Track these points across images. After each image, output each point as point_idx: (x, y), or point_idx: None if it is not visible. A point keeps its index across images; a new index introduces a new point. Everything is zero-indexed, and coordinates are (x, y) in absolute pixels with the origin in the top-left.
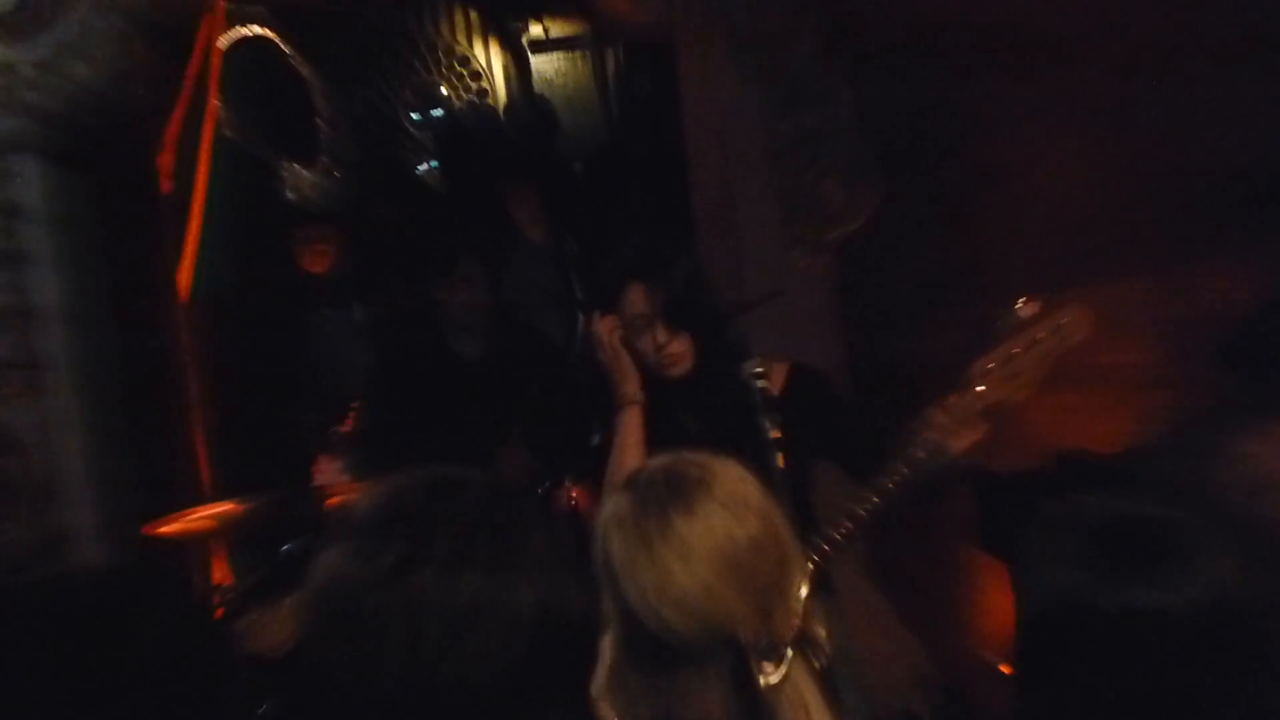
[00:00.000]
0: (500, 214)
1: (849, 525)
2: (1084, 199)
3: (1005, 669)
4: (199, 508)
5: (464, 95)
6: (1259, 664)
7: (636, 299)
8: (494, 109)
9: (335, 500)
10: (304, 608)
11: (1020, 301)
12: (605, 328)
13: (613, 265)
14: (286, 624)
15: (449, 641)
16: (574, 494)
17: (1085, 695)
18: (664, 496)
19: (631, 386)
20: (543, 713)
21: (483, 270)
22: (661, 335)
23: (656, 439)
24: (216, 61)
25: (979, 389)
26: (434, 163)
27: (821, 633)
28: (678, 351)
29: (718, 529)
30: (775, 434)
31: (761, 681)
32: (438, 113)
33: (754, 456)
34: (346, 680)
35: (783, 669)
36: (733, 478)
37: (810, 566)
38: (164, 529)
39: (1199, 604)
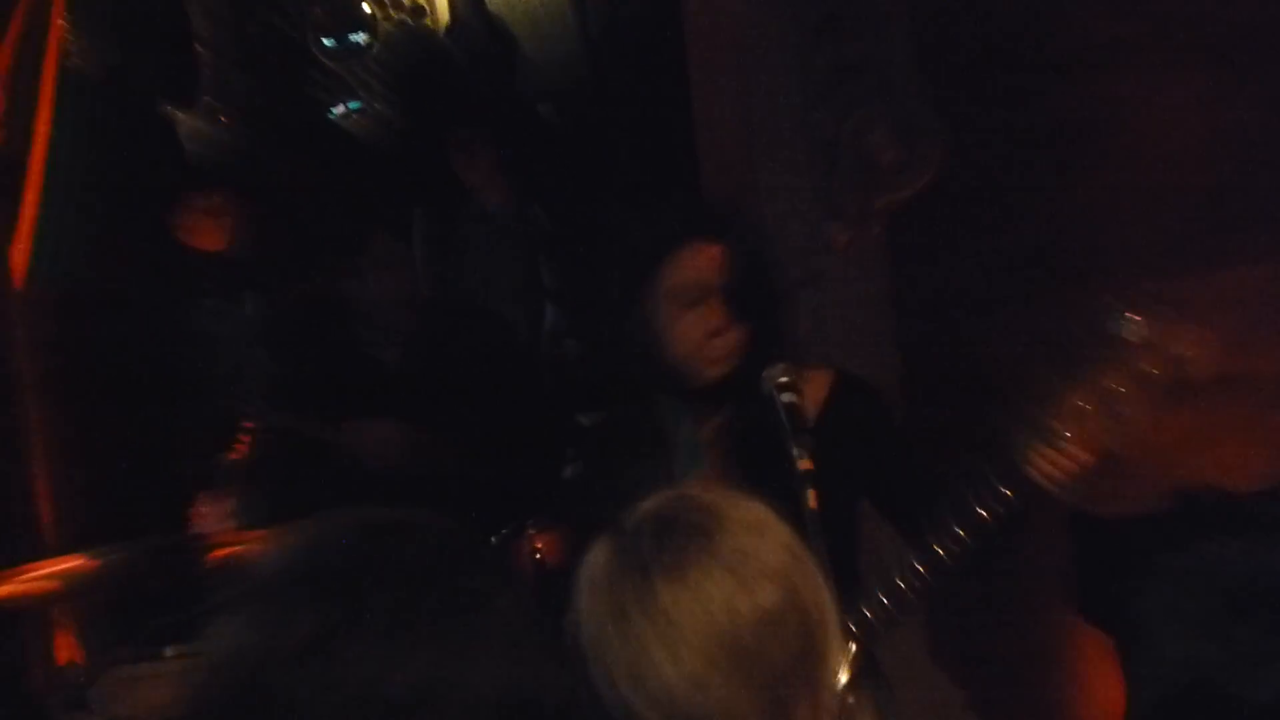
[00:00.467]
0: (445, 173)
1: (887, 604)
2: (1208, 157)
3: None
4: (38, 563)
5: (393, 14)
6: None
7: (701, 263)
8: (433, 32)
9: (222, 553)
10: (195, 688)
11: (1124, 312)
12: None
13: (668, 217)
14: (168, 683)
15: None
16: (539, 544)
17: None
18: (649, 551)
19: None
20: None
21: (401, 255)
22: (717, 318)
23: (649, 466)
24: None
25: (1065, 436)
26: (354, 104)
27: None
28: (730, 346)
29: (715, 600)
30: (806, 464)
31: None
32: (358, 38)
33: (780, 493)
34: None
35: None
36: (747, 526)
37: (852, 646)
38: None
39: None
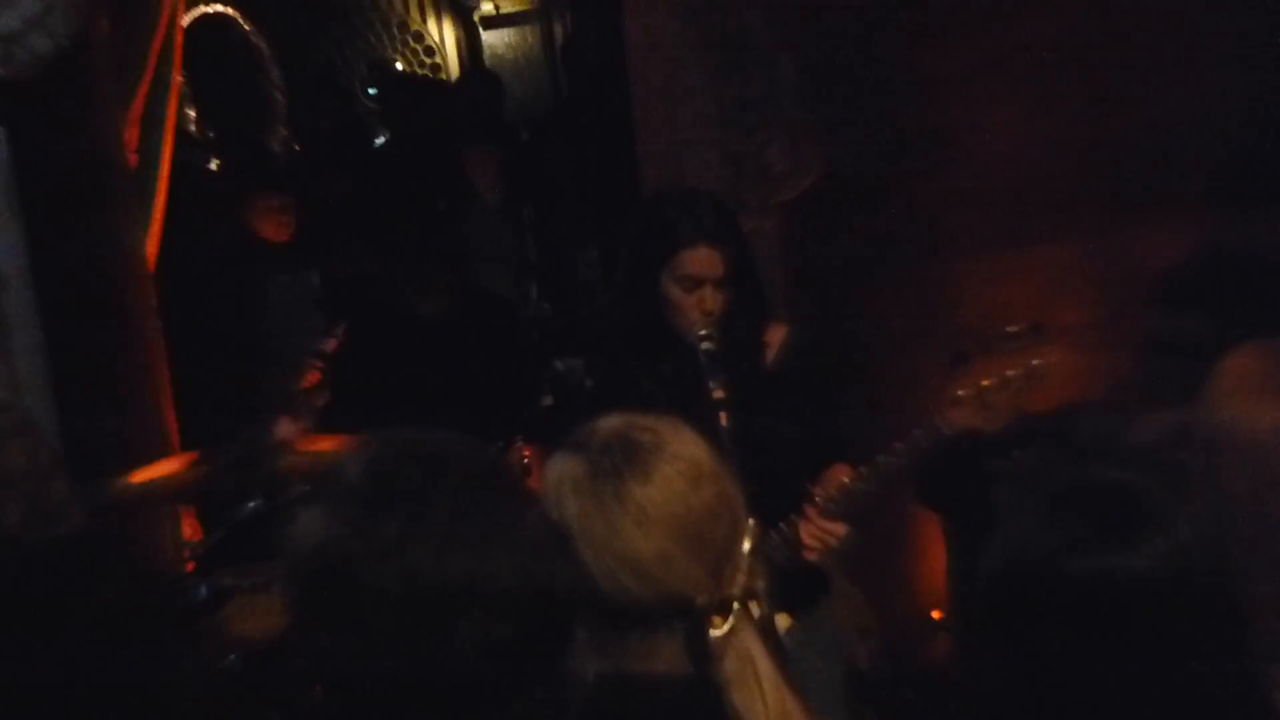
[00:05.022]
0: (460, 179)
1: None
2: (1021, 161)
3: (936, 614)
4: (167, 459)
5: (418, 70)
6: (1211, 624)
7: (704, 260)
8: (446, 82)
9: (299, 458)
10: (288, 567)
11: (1007, 329)
12: None
13: (677, 221)
14: (275, 609)
15: (441, 618)
16: (525, 454)
17: (1040, 648)
18: (620, 462)
19: None
20: (527, 691)
21: (457, 281)
22: (712, 302)
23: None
24: (180, 38)
25: (946, 416)
26: (388, 133)
27: (760, 585)
28: (717, 319)
29: (674, 495)
30: (719, 393)
31: (710, 633)
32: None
33: (703, 417)
34: (333, 645)
35: (730, 622)
36: (685, 441)
37: (753, 523)
38: (135, 478)
39: (1158, 566)
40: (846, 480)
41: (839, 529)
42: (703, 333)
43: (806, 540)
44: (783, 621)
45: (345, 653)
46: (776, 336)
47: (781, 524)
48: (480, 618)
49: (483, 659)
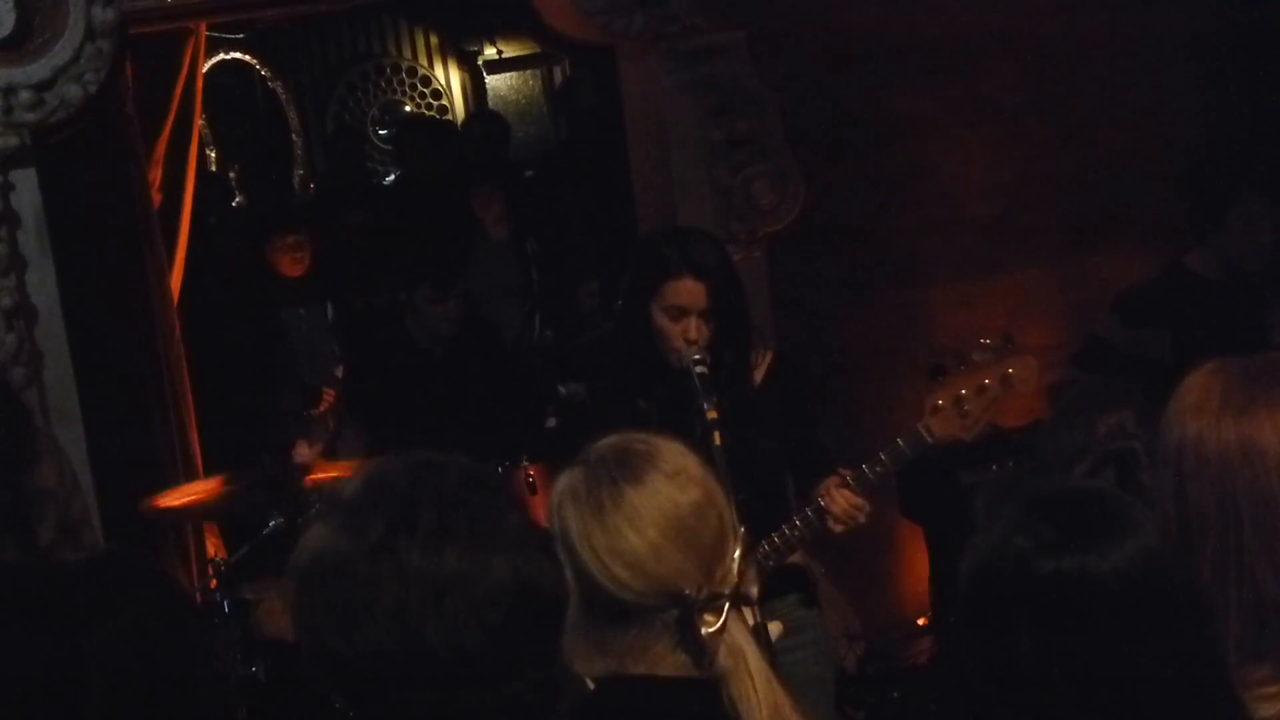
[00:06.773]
0: (467, 216)
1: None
2: (987, 195)
3: (922, 621)
4: (192, 484)
5: (426, 112)
6: (1169, 623)
7: (689, 291)
8: (453, 123)
9: (315, 478)
10: (293, 576)
11: (979, 342)
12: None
13: (666, 254)
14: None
15: (433, 607)
16: (530, 473)
17: (1013, 645)
18: (614, 469)
19: None
20: (520, 672)
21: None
22: (696, 331)
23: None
24: (200, 83)
25: (927, 424)
26: (398, 172)
27: (753, 590)
28: (701, 346)
29: (663, 496)
30: (713, 414)
31: (703, 630)
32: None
33: (697, 437)
34: (337, 641)
35: (721, 619)
36: (675, 452)
37: (742, 529)
38: (162, 502)
39: (1125, 568)
40: (865, 467)
41: (865, 503)
42: (696, 356)
43: (839, 512)
44: (775, 628)
45: (346, 639)
46: (763, 360)
47: (795, 519)
48: (471, 603)
49: (476, 640)
